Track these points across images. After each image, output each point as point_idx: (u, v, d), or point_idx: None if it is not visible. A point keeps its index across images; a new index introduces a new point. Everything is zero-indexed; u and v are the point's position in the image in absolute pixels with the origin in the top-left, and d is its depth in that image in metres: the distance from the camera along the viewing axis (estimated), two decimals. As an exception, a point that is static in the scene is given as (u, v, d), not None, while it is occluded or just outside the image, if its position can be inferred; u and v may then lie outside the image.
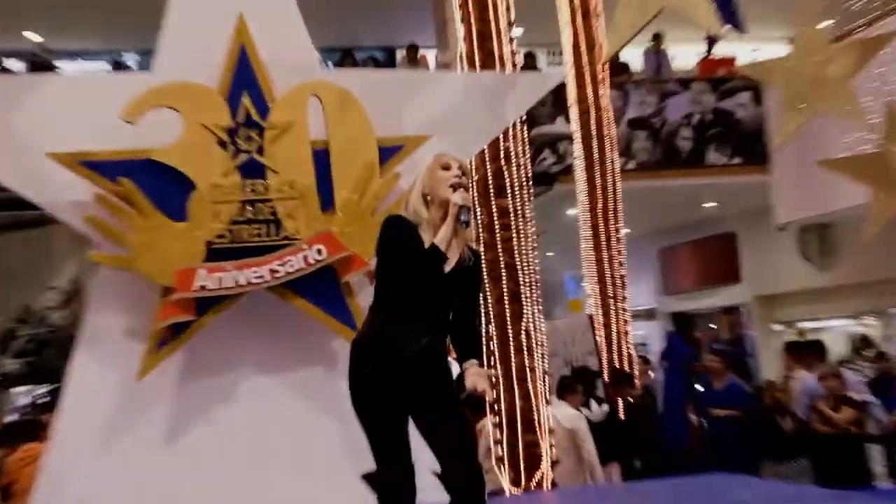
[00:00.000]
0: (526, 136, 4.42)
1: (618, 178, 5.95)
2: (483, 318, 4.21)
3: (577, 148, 5.95)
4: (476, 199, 4.23)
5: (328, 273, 3.11)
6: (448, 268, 2.15)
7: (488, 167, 4.25)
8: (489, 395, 2.10)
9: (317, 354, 3.23)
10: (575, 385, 4.80)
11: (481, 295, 4.16)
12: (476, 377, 2.10)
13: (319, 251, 3.05)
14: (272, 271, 3.03)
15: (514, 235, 4.25)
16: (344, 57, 8.79)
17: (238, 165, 3.12)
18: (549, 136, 7.07)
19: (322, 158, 3.17)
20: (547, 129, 7.06)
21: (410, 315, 2.11)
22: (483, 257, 4.13)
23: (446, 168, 2.23)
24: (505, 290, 4.24)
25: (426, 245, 2.14)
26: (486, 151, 4.21)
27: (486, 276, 4.21)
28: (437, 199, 2.21)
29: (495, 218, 4.23)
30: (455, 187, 2.18)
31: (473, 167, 4.21)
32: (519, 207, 4.27)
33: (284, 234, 3.10)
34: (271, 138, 3.14)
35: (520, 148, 4.33)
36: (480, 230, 4.26)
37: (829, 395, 4.85)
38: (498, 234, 4.23)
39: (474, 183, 4.22)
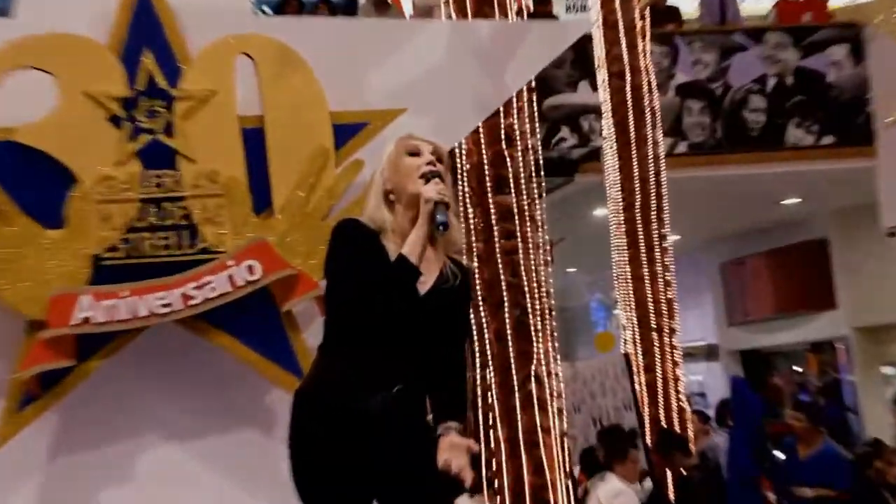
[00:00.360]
0: (536, 109, 4.47)
1: (663, 166, 6.01)
2: (476, 360, 4.22)
3: (607, 125, 6.00)
4: (466, 195, 4.27)
5: (263, 299, 3.12)
6: (424, 288, 2.18)
7: (484, 152, 4.30)
8: (466, 479, 2.11)
9: (247, 412, 3.24)
10: (626, 449, 4.81)
11: (472, 327, 4.19)
12: (452, 450, 2.10)
13: (251, 268, 3.07)
14: (185, 297, 3.04)
15: (521, 245, 4.29)
16: (286, 0, 8.82)
17: (137, 150, 3.13)
18: (569, 108, 7.12)
19: (255, 141, 3.19)
20: (565, 100, 7.11)
21: (374, 355, 2.14)
22: (475, 274, 4.16)
23: (414, 154, 2.26)
24: (507, 320, 4.27)
25: (391, 257, 2.16)
26: (481, 131, 4.26)
27: (480, 302, 4.24)
28: (404, 196, 2.24)
29: (494, 221, 4.28)
30: (427, 178, 2.21)
31: (464, 152, 4.25)
32: (526, 206, 4.32)
33: (202, 244, 3.12)
34: (184, 113, 3.16)
35: (528, 125, 4.38)
36: (474, 238, 4.29)
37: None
38: (497, 244, 4.27)
39: (465, 174, 4.26)
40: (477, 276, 4.24)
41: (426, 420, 2.20)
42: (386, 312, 2.12)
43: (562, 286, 8.32)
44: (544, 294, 4.34)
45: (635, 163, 5.93)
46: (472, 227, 4.26)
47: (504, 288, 4.26)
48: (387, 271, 2.13)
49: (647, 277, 5.86)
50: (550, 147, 6.82)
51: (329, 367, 2.19)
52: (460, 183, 4.27)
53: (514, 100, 4.25)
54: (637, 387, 5.81)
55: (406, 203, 2.23)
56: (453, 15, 4.32)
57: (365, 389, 2.11)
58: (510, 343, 4.26)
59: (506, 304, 4.26)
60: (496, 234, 4.27)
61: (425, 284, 2.18)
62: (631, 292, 5.88)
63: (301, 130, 3.22)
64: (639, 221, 5.90)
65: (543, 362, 4.29)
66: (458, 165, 4.25)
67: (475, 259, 4.23)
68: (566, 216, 7.06)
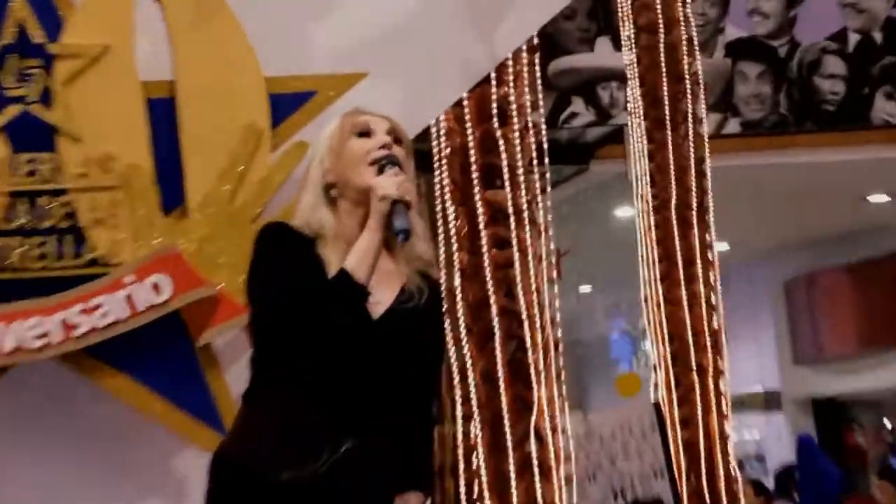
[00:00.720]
0: (539, 75, 4.51)
1: (707, 151, 6.07)
2: (456, 410, 4.26)
3: (633, 95, 6.05)
4: (445, 190, 4.30)
5: (173, 329, 3.18)
6: (379, 310, 2.23)
7: (470, 133, 4.33)
8: None
9: (150, 479, 3.26)
10: None
11: (450, 363, 4.24)
12: None
13: (157, 287, 3.12)
14: (67, 325, 3.08)
15: (518, 257, 4.33)
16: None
17: (3, 126, 3.17)
18: (583, 74, 7.18)
19: (164, 116, 3.25)
20: (579, 62, 7.17)
21: (315, 402, 2.18)
22: (455, 294, 4.20)
23: (364, 134, 2.31)
24: (499, 357, 4.31)
25: (331, 271, 2.20)
26: (465, 104, 4.29)
27: (463, 333, 4.28)
28: (351, 190, 2.28)
29: (482, 225, 4.31)
30: (380, 165, 2.25)
31: (443, 133, 4.28)
32: (525, 205, 4.36)
33: (91, 254, 3.17)
34: (67, 76, 3.21)
35: (527, 97, 4.42)
36: (455, 247, 4.33)
37: None
38: (487, 256, 4.31)
39: (444, 162, 4.30)
40: (459, 297, 4.27)
41: (383, 489, 2.22)
42: (327, 343, 2.16)
43: (572, 311, 8.36)
44: (548, 322, 4.37)
45: (671, 146, 5.97)
46: (452, 232, 4.30)
47: (495, 314, 4.29)
48: (324, 290, 2.17)
49: (685, 300, 5.90)
50: (558, 125, 6.87)
51: (256, 420, 2.23)
52: (438, 174, 4.30)
53: (510, 63, 4.29)
54: (672, 447, 5.86)
55: (353, 200, 2.27)
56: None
57: (303, 450, 2.15)
58: (503, 388, 4.29)
59: (497, 335, 4.28)
60: (485, 241, 4.30)
61: (380, 305, 2.23)
62: (664, 320, 5.91)
63: (225, 102, 3.27)
64: (675, 225, 5.93)
65: (547, 414, 4.33)
66: (435, 151, 4.29)
67: (457, 275, 4.26)
68: (578, 218, 7.09)
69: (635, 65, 6.00)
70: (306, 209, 2.29)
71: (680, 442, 5.87)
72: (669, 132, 5.95)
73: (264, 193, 3.27)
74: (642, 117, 6.00)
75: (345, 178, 2.27)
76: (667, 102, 5.95)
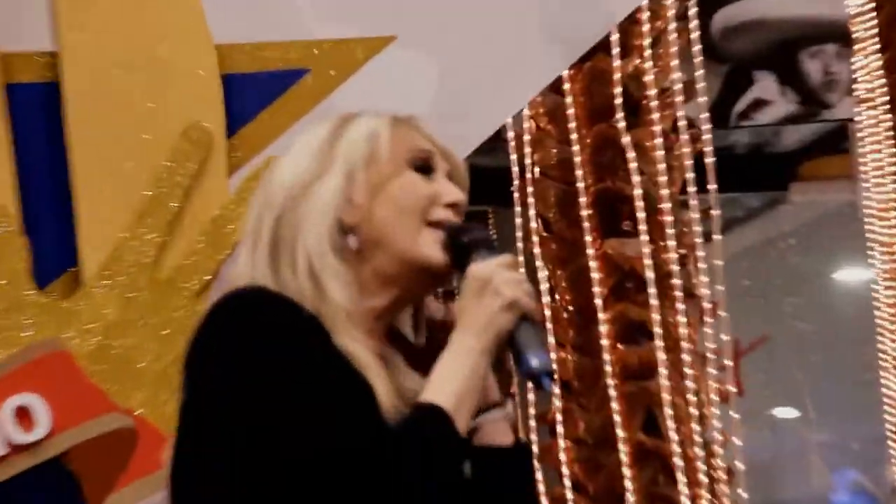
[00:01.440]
0: (698, 35, 4.53)
1: None
2: None
3: (868, 70, 6.06)
4: (531, 237, 4.33)
5: (57, 490, 3.23)
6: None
7: (576, 140, 4.36)
8: None
9: None
10: None
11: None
12: None
13: (25, 415, 3.15)
14: None
15: (664, 356, 4.35)
16: None
17: None
18: (776, 32, 7.20)
19: (38, 112, 3.33)
20: (767, 12, 7.19)
21: None
22: (556, 423, 4.21)
23: (423, 168, 2.29)
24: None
25: (379, 392, 2.15)
26: (567, 90, 4.33)
27: (568, 491, 4.30)
28: (383, 253, 2.24)
29: (599, 301, 4.34)
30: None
31: (527, 139, 4.30)
32: (676, 265, 4.38)
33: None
34: None
35: (675, 75, 4.45)
36: (553, 340, 4.38)
37: None
38: (608, 354, 4.33)
39: (533, 190, 4.32)
40: (560, 428, 4.30)
41: None
42: None
43: (765, 452, 8.28)
44: (722, 472, 4.39)
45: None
46: (548, 311, 4.34)
47: (626, 457, 4.33)
48: (400, 442, 2.09)
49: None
50: (731, 122, 6.87)
51: None
52: (520, 211, 4.34)
53: (646, 17, 4.34)
54: None
55: (379, 271, 2.25)
56: None
57: None
58: None
59: (630, 495, 4.31)
60: (605, 329, 4.33)
61: None
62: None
63: (148, 90, 3.32)
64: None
65: None
66: (516, 171, 4.33)
67: (558, 390, 4.30)
68: (772, 285, 7.08)
69: (869, 17, 6.01)
70: (315, 254, 2.21)
71: None
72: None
73: (217, 247, 3.31)
74: (885, 108, 5.99)
75: (379, 228, 2.25)
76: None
